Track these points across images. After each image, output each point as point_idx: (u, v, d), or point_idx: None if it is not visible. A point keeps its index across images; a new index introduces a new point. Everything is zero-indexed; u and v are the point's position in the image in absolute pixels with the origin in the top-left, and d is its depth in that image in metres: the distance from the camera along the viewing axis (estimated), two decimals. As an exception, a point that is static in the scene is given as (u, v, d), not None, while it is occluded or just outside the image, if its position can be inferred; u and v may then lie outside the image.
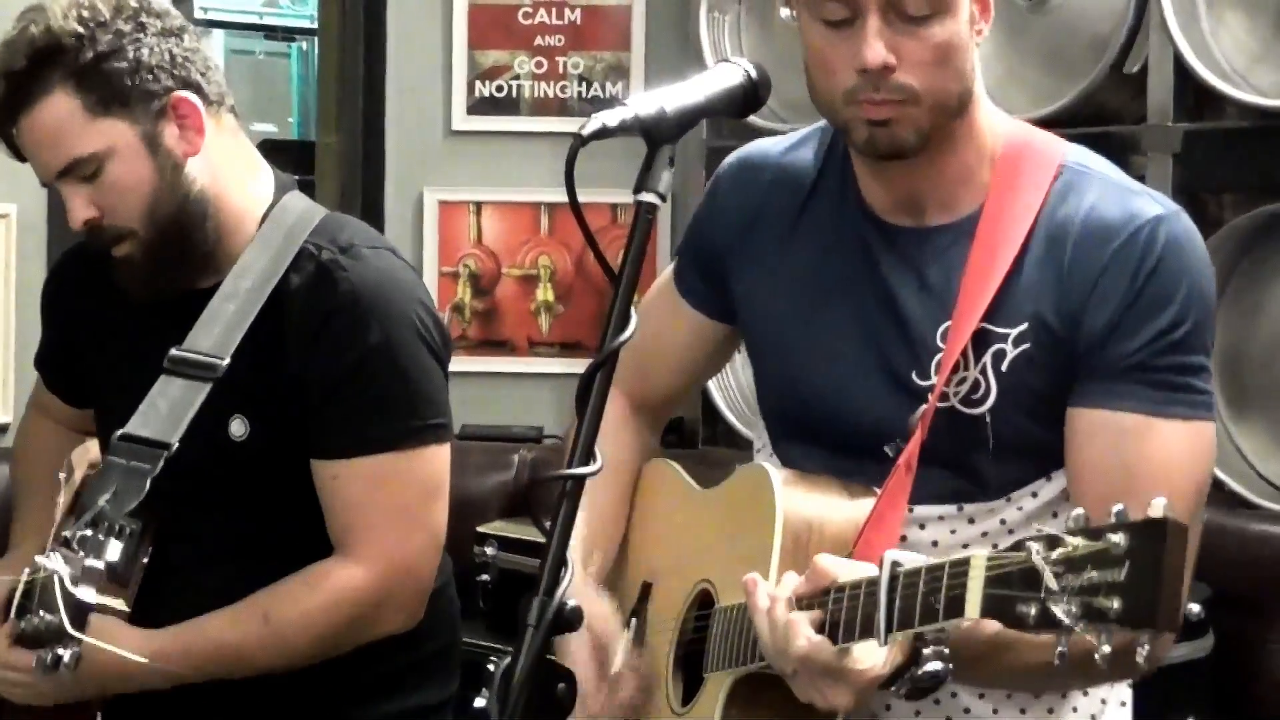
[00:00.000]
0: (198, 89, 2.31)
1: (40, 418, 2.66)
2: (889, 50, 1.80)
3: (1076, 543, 1.41)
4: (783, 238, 2.02)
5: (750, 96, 1.80)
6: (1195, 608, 3.01)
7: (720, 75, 1.79)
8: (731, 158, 2.12)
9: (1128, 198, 1.87)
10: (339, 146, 4.59)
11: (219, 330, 2.32)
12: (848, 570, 1.72)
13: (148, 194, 2.27)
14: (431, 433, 2.34)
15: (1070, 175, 1.89)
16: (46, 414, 2.64)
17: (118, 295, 2.43)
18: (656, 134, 1.69)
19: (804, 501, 1.89)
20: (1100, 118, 3.47)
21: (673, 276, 2.18)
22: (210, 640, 2.26)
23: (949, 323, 1.88)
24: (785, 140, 2.08)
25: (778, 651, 1.73)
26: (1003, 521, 1.91)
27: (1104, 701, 2.01)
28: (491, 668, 1.62)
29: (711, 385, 4.03)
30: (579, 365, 4.62)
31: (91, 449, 2.60)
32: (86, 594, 2.02)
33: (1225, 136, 3.40)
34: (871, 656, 1.67)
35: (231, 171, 2.35)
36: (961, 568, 1.54)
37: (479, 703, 1.62)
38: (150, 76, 2.27)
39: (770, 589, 1.76)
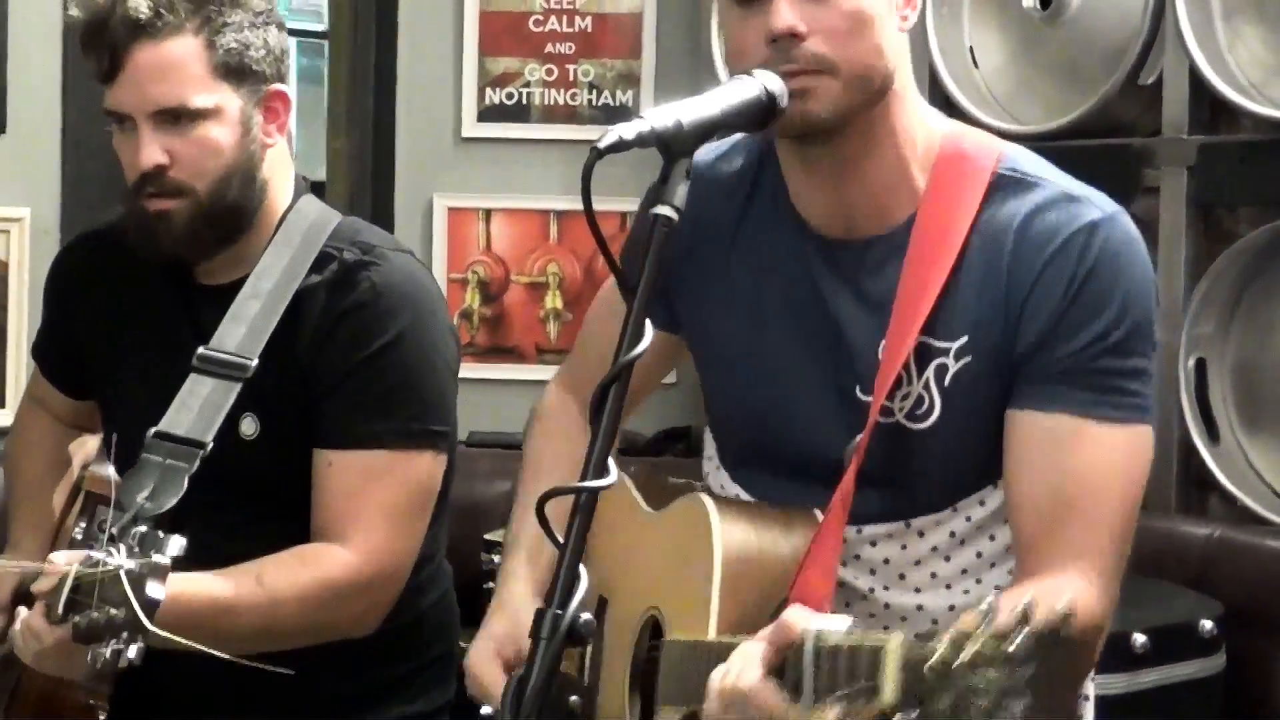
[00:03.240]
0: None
1: (36, 411, 2.64)
2: (800, 19, 1.79)
3: (982, 641, 1.40)
4: (723, 255, 1.99)
5: (767, 110, 1.78)
6: (1208, 624, 3.00)
7: (737, 88, 1.77)
8: None
9: (1064, 203, 1.84)
10: (349, 151, 4.59)
11: (244, 330, 2.34)
12: (807, 622, 1.62)
13: (226, 165, 2.30)
14: (430, 439, 2.34)
15: (1006, 180, 1.86)
16: (42, 407, 2.63)
17: (129, 284, 2.44)
18: (673, 147, 1.67)
19: (744, 534, 1.86)
20: (1114, 130, 3.47)
21: (617, 288, 2.10)
22: (201, 591, 2.20)
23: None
24: (716, 148, 2.04)
25: (725, 693, 1.64)
26: (952, 534, 1.91)
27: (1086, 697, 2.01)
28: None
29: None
30: (587, 373, 4.54)
31: (88, 443, 2.59)
32: (156, 590, 2.02)
33: (1240, 150, 3.39)
34: None
35: (279, 168, 2.39)
36: (877, 654, 1.48)
37: (485, 710, 1.61)
38: (267, 61, 2.33)
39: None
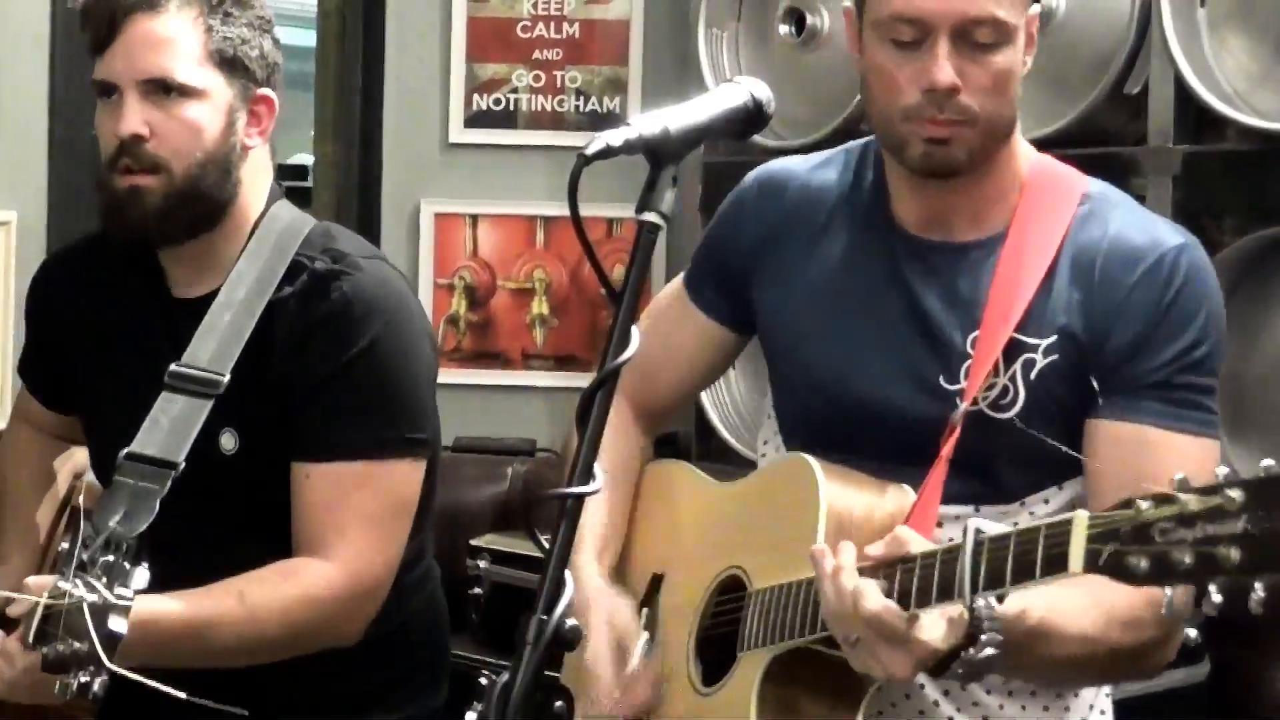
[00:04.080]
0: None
1: (23, 425, 2.64)
2: (956, 73, 1.92)
3: (1189, 499, 1.45)
4: (807, 251, 2.12)
5: (754, 117, 1.82)
6: (1192, 633, 3.00)
7: (724, 95, 1.81)
8: (756, 174, 2.21)
9: (1151, 225, 2.02)
10: (336, 157, 4.59)
11: (216, 344, 2.33)
12: (920, 544, 1.78)
13: (205, 148, 2.32)
14: (408, 446, 2.35)
15: (1093, 203, 2.03)
16: (29, 421, 2.62)
17: (107, 300, 2.44)
18: (660, 153, 1.70)
19: (843, 491, 1.97)
20: (1100, 139, 3.46)
21: (684, 285, 2.26)
22: (181, 611, 2.21)
23: (977, 332, 1.99)
24: (810, 160, 2.19)
25: (843, 616, 1.77)
26: (1015, 524, 1.96)
27: (1091, 707, 2.10)
28: (484, 680, 1.62)
29: (705, 400, 4.02)
30: (573, 379, 4.59)
31: (75, 455, 2.59)
32: (118, 625, 2.02)
33: (1225, 159, 3.39)
34: (934, 628, 1.73)
35: (257, 172, 2.40)
36: (1062, 527, 1.60)
37: (470, 716, 1.62)
38: (260, 63, 2.36)
39: (834, 557, 1.81)
